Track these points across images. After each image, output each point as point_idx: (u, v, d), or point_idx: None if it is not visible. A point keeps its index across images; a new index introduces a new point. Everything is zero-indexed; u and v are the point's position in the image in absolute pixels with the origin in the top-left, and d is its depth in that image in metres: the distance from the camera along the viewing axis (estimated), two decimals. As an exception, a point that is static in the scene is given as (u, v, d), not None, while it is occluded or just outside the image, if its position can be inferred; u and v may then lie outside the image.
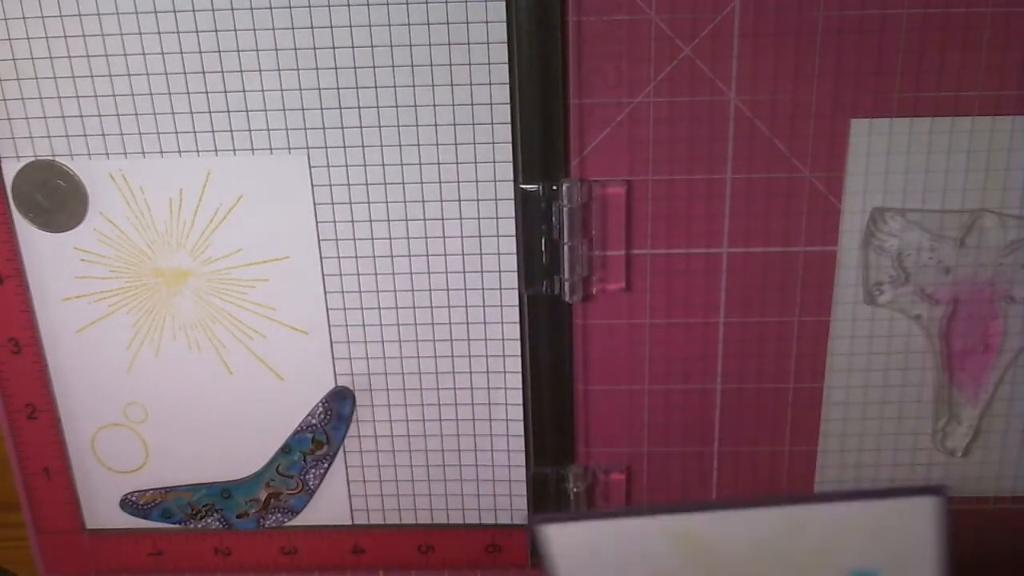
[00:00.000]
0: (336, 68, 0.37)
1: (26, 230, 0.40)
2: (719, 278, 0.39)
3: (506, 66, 0.36)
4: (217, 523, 0.44)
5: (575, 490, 0.42)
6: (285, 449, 0.43)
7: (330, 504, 0.44)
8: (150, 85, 0.37)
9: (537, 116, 0.37)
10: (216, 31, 0.36)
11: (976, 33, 0.36)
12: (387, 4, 0.36)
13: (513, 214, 0.38)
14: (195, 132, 0.38)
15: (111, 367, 0.42)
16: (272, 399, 0.42)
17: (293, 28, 0.36)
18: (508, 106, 0.37)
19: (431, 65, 0.36)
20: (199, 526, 0.44)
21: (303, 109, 0.37)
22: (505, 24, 0.36)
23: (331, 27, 0.36)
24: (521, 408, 0.41)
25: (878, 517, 0.29)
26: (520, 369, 0.41)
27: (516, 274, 0.39)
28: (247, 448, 0.43)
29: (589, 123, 0.37)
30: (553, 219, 0.38)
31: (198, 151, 0.38)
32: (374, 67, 0.36)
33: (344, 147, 0.38)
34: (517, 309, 0.40)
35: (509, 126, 0.37)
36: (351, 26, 0.36)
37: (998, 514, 0.43)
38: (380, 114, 0.37)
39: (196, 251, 0.40)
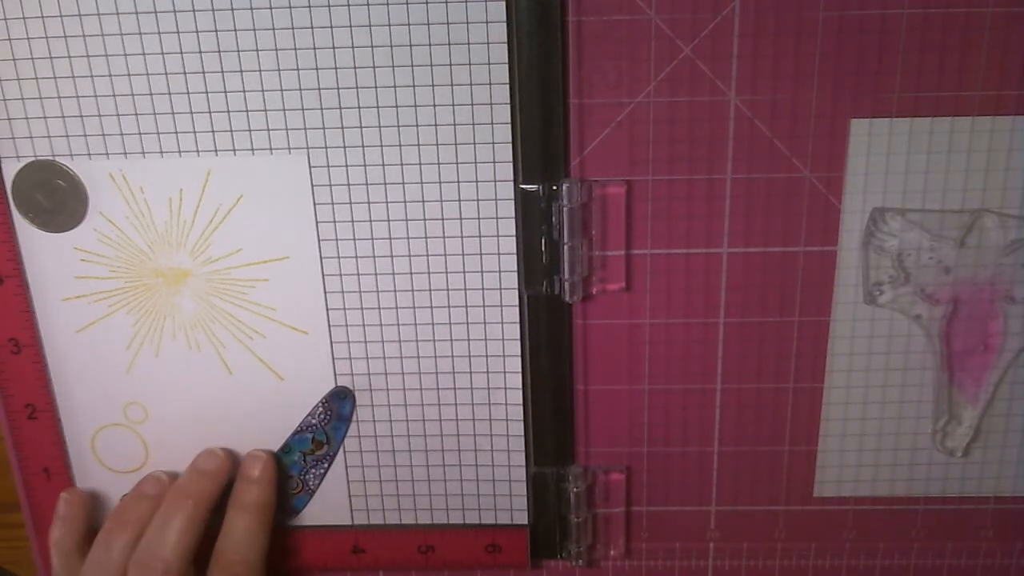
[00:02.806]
0: (336, 68, 0.37)
1: (26, 230, 0.40)
2: (719, 278, 0.39)
3: (506, 66, 0.36)
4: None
5: (575, 490, 0.42)
6: (285, 449, 0.43)
7: (330, 504, 0.44)
8: (150, 85, 0.37)
9: (537, 116, 0.37)
10: (216, 31, 0.36)
11: (976, 33, 0.36)
12: (387, 4, 0.36)
13: (513, 214, 0.38)
14: (195, 132, 0.38)
15: (111, 367, 0.42)
16: (272, 399, 0.42)
17: (293, 28, 0.36)
18: (508, 106, 0.37)
19: (431, 65, 0.36)
20: (199, 526, 0.44)
21: (303, 109, 0.37)
22: (505, 24, 0.36)
23: (331, 27, 0.36)
24: (521, 408, 0.41)
25: None
26: (520, 369, 0.41)
27: (516, 274, 0.39)
28: (247, 448, 0.43)
29: (589, 123, 0.37)
30: (553, 219, 0.38)
31: (198, 151, 0.38)
32: (374, 67, 0.36)
33: (344, 147, 0.38)
34: (517, 309, 0.40)
35: (509, 126, 0.37)
36: (351, 26, 0.36)
37: (998, 514, 0.43)
38: (380, 114, 0.37)
39: (196, 251, 0.40)
